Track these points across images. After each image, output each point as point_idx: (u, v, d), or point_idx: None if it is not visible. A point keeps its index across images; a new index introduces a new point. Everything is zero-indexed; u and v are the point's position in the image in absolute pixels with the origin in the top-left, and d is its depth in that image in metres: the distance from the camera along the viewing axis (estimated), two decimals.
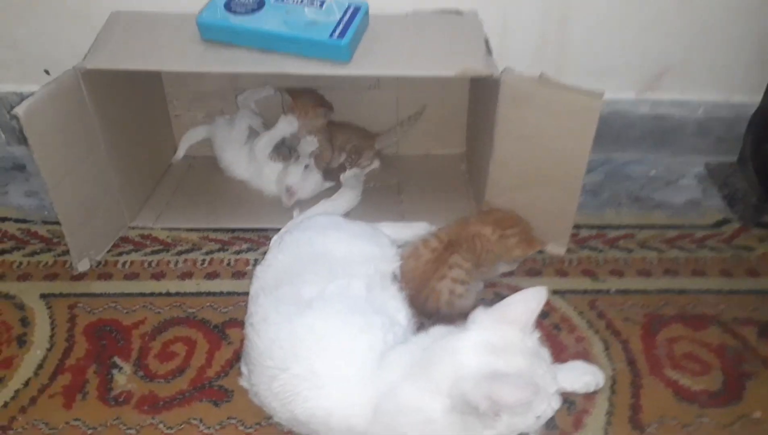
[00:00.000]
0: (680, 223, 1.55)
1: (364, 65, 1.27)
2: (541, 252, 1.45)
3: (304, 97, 1.63)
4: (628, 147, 1.76)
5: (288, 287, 1.12)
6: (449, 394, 0.87)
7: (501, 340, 0.88)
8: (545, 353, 0.91)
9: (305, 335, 1.01)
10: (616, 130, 1.71)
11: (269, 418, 1.09)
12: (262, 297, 1.13)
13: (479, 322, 0.92)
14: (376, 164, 1.74)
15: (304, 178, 1.60)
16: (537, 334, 0.91)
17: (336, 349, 1.00)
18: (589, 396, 1.15)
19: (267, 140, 1.63)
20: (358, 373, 0.97)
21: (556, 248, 1.43)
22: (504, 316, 0.90)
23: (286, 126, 1.63)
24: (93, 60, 1.31)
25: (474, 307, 1.27)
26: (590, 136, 1.24)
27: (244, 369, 1.14)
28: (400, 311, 1.15)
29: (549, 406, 0.89)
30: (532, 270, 1.42)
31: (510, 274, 1.40)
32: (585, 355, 1.23)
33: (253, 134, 1.69)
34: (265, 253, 1.35)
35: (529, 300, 0.90)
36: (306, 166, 1.62)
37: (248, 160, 1.66)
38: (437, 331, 1.00)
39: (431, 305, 1.26)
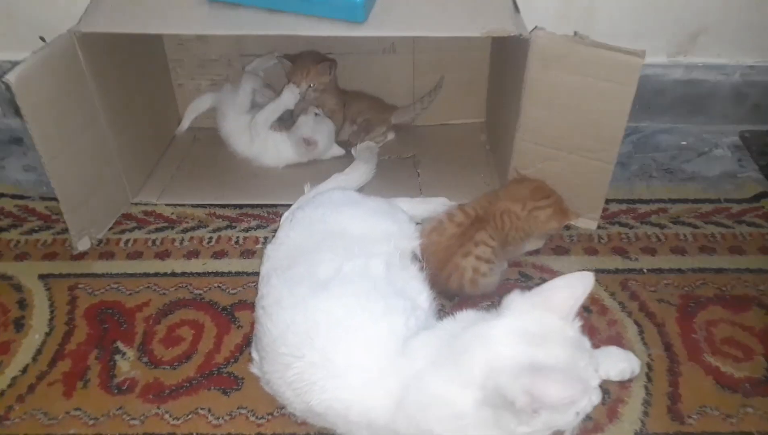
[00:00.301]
0: (715, 197, 1.46)
1: (380, 25, 1.17)
2: (568, 228, 1.37)
3: (302, 57, 1.53)
4: (658, 115, 1.66)
5: (302, 267, 1.05)
6: (482, 386, 0.79)
7: (540, 328, 0.80)
8: (586, 343, 0.83)
9: (321, 320, 0.94)
10: (645, 97, 1.61)
11: (282, 407, 1.02)
12: (274, 278, 1.05)
13: (515, 308, 0.83)
14: (390, 136, 1.64)
15: (316, 126, 1.51)
16: (578, 323, 0.83)
17: (355, 336, 0.92)
18: (624, 384, 1.08)
19: (270, 112, 1.54)
20: (379, 362, 0.90)
21: (587, 223, 1.35)
22: (544, 302, 0.82)
23: (291, 96, 1.54)
24: (89, 23, 1.22)
25: (497, 287, 1.22)
26: (629, 99, 1.15)
27: (254, 355, 1.06)
28: (421, 293, 1.07)
29: (589, 400, 0.81)
30: (560, 248, 1.33)
31: (536, 252, 1.32)
32: (618, 340, 1.15)
33: (257, 106, 1.59)
34: (275, 230, 1.28)
35: (574, 286, 0.82)
36: (316, 114, 1.54)
37: (249, 131, 1.56)
38: (466, 316, 0.91)
39: (454, 283, 1.18)
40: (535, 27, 1.17)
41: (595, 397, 0.83)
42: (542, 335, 0.80)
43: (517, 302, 0.84)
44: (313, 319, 0.94)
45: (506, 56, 1.38)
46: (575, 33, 1.16)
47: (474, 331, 0.84)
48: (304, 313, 0.95)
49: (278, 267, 1.07)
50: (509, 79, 1.34)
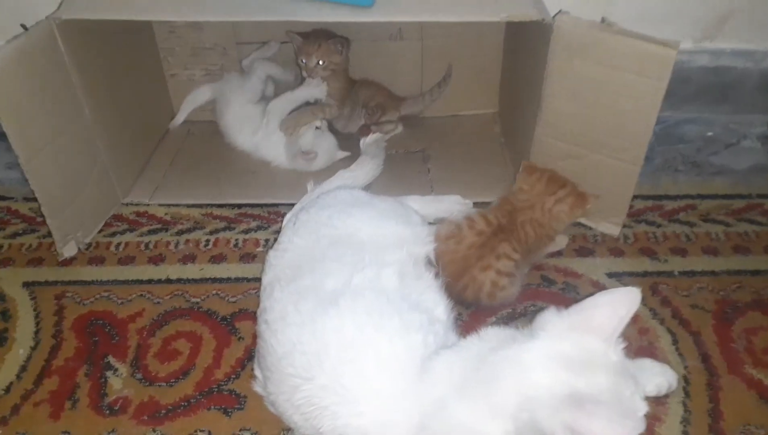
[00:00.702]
0: (746, 192, 1.37)
1: (389, 10, 1.08)
2: (590, 228, 1.28)
3: (315, 32, 1.43)
4: (682, 104, 1.57)
5: (308, 278, 0.96)
6: (514, 417, 0.70)
7: (580, 352, 0.71)
8: (631, 367, 0.74)
9: (332, 340, 0.85)
10: (669, 85, 1.47)
11: (288, 430, 0.95)
12: (277, 290, 0.96)
13: (551, 329, 0.74)
14: (399, 129, 1.55)
15: (316, 140, 1.42)
16: (622, 345, 0.74)
17: (369, 357, 0.84)
18: (661, 400, 0.99)
19: (287, 101, 1.44)
20: (396, 386, 0.81)
21: (610, 228, 1.26)
22: (585, 323, 0.73)
23: (312, 89, 1.44)
24: (70, 8, 1.14)
25: (516, 295, 1.13)
26: (660, 95, 1.06)
27: (258, 373, 0.98)
28: (438, 304, 0.98)
29: (634, 430, 0.73)
30: (583, 249, 1.24)
31: (558, 253, 1.23)
32: (651, 351, 1.06)
33: (266, 98, 1.50)
34: (276, 231, 1.19)
35: (618, 304, 0.73)
36: (317, 128, 1.44)
37: (256, 123, 1.46)
38: (493, 334, 0.82)
39: (470, 295, 1.09)
40: (559, 11, 1.07)
41: (641, 426, 0.74)
42: (583, 361, 0.71)
43: (553, 322, 0.75)
44: (322, 339, 0.86)
45: (523, 43, 1.29)
46: (603, 19, 1.06)
47: (505, 353, 0.75)
48: (312, 331, 0.87)
49: (282, 277, 0.98)
50: (527, 68, 1.24)
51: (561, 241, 1.23)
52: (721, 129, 1.55)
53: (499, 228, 1.09)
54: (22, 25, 1.44)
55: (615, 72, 1.05)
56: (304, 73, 1.44)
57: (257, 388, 0.98)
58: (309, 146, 1.41)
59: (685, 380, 1.02)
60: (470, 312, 1.13)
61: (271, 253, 1.05)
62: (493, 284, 1.07)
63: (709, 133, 1.55)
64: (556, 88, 1.12)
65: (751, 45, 1.49)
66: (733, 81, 1.53)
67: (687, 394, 1.01)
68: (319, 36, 1.41)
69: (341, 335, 0.86)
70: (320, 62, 1.41)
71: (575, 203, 1.14)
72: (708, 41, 1.49)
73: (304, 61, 1.42)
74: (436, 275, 1.04)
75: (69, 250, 1.24)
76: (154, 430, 0.97)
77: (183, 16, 1.17)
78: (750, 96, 1.54)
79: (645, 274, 1.20)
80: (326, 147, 1.43)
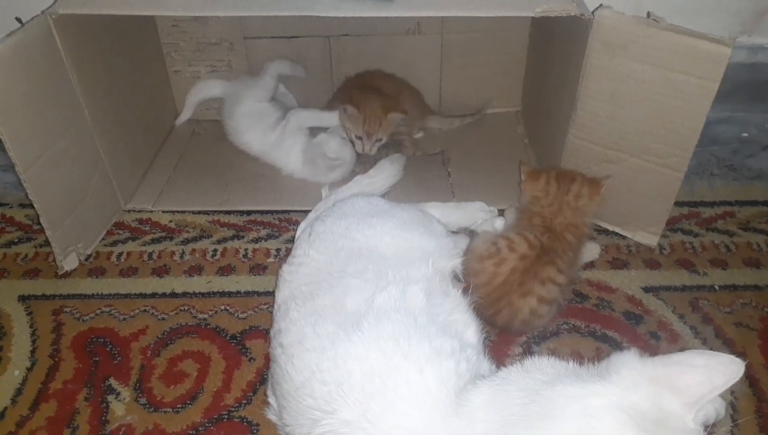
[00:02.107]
0: None
1: (414, 4, 1.00)
2: (624, 237, 1.19)
3: (370, 102, 1.31)
4: (716, 103, 1.46)
5: (326, 296, 0.88)
6: None
7: (655, 410, 0.63)
8: None
9: (355, 368, 0.77)
10: None
11: None
12: (293, 309, 0.89)
13: (627, 374, 0.65)
14: (419, 134, 1.46)
15: (340, 150, 1.33)
16: (703, 416, 0.65)
17: (398, 389, 0.76)
18: (708, 430, 0.91)
19: (311, 117, 1.37)
20: (429, 423, 0.73)
21: (647, 238, 1.18)
22: (669, 380, 0.64)
23: (334, 120, 1.36)
24: (67, 2, 1.05)
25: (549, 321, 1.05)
26: (710, 97, 0.98)
27: (272, 400, 0.90)
28: (468, 326, 0.90)
29: None
30: (617, 261, 1.17)
31: (590, 265, 1.15)
32: None
33: (276, 100, 1.42)
34: (288, 240, 1.11)
35: (716, 371, 0.63)
36: (342, 138, 1.35)
37: (266, 122, 1.38)
38: (544, 365, 0.73)
39: (502, 320, 1.02)
40: (600, 5, 0.98)
41: None
42: (657, 421, 0.62)
43: (631, 367, 0.66)
44: (344, 367, 0.78)
45: (553, 38, 1.20)
46: (648, 14, 0.97)
47: (565, 391, 0.67)
48: (334, 358, 0.79)
49: (297, 295, 0.91)
50: (558, 65, 1.16)
51: (593, 250, 1.15)
52: (757, 129, 1.47)
53: (542, 250, 1.01)
54: (17, 19, 1.36)
55: (661, 71, 0.97)
56: (358, 149, 1.34)
57: (271, 415, 0.90)
58: (334, 154, 1.31)
59: (732, 407, 0.95)
60: (499, 331, 1.05)
61: (285, 268, 0.97)
62: (532, 312, 0.99)
63: (744, 134, 1.47)
64: (593, 88, 1.03)
65: None
66: None
67: (734, 421, 0.93)
68: (376, 109, 1.29)
69: (365, 364, 0.78)
70: (380, 139, 1.32)
71: (592, 191, 1.07)
72: (746, 36, 1.41)
73: (360, 139, 1.32)
74: (464, 292, 0.96)
75: (70, 263, 1.16)
76: None
77: (189, 11, 1.07)
78: None
79: (684, 288, 1.12)
80: (348, 159, 1.34)
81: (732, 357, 0.64)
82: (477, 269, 1.00)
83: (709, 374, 0.63)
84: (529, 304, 0.98)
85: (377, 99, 1.31)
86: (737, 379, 0.63)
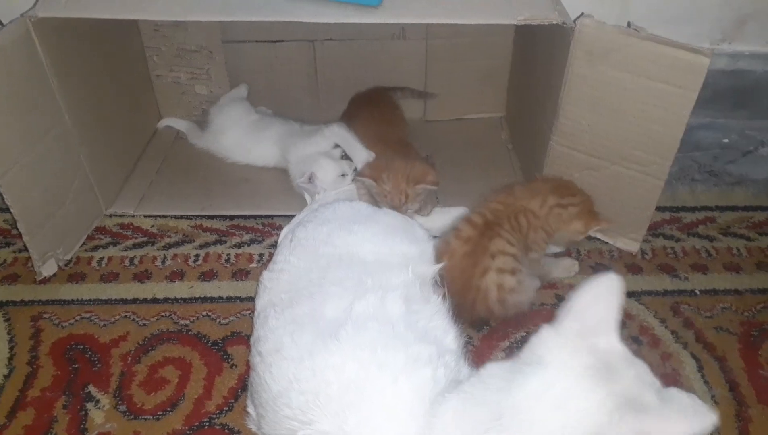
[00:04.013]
0: (767, 204, 1.30)
1: (398, 10, 1.00)
2: (607, 244, 1.20)
3: (395, 168, 1.17)
4: (696, 109, 1.47)
5: (305, 304, 0.88)
6: None
7: (598, 357, 0.65)
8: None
9: (332, 379, 0.77)
10: None
11: None
12: (272, 317, 0.88)
13: (558, 348, 0.67)
14: None
15: (333, 177, 1.25)
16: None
17: (373, 400, 0.75)
18: None
19: (347, 137, 1.30)
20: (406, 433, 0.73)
21: (628, 244, 1.19)
22: (584, 328, 0.66)
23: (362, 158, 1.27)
24: (47, 5, 1.04)
25: (531, 304, 1.05)
26: (690, 105, 0.99)
27: (251, 409, 0.89)
28: (448, 332, 0.90)
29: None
30: (599, 266, 1.17)
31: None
32: (675, 378, 1.00)
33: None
34: (272, 245, 1.11)
35: (604, 294, 0.67)
36: (343, 175, 1.27)
37: (247, 121, 1.38)
38: (495, 373, 0.72)
39: (481, 309, 1.02)
40: (581, 14, 0.99)
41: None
42: (607, 364, 0.65)
43: (555, 340, 0.68)
44: (321, 377, 0.77)
45: (537, 45, 1.21)
46: (629, 24, 0.98)
47: (525, 393, 0.67)
48: (311, 368, 0.78)
49: (277, 302, 0.90)
50: (542, 72, 1.17)
51: (571, 267, 1.15)
52: (738, 135, 1.49)
53: (486, 225, 1.02)
54: None
55: (642, 80, 0.98)
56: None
57: (251, 425, 0.89)
58: (325, 186, 1.25)
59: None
60: (482, 335, 1.05)
61: (266, 274, 0.97)
62: (499, 287, 0.99)
63: (725, 140, 1.48)
64: (575, 96, 1.04)
65: None
66: (751, 85, 1.46)
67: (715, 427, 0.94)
68: (399, 179, 1.15)
69: (342, 374, 0.77)
70: (406, 201, 1.17)
71: (579, 216, 1.05)
72: (726, 43, 1.42)
73: (388, 199, 1.18)
74: (444, 297, 0.96)
75: (48, 269, 1.14)
76: None
77: (170, 16, 1.06)
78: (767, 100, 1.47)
79: (665, 293, 1.13)
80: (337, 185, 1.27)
81: (604, 276, 0.67)
82: (443, 269, 1.01)
83: (603, 300, 0.67)
84: (492, 280, 0.99)
85: (402, 165, 1.17)
86: (621, 288, 0.66)
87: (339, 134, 1.30)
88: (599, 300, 0.67)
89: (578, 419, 0.63)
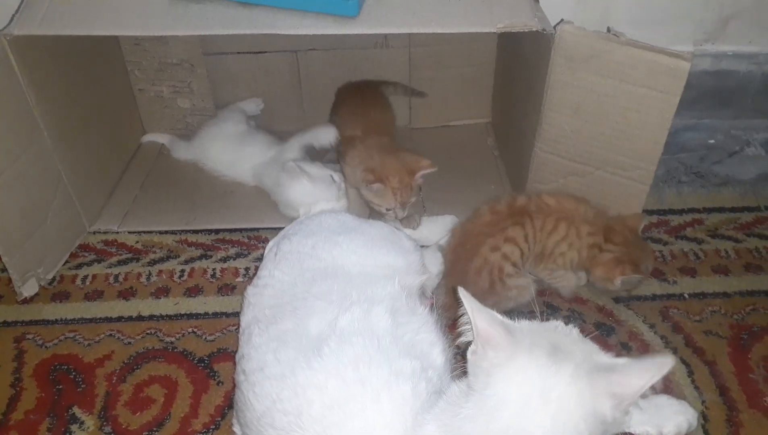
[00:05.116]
0: (754, 205, 1.31)
1: (377, 21, 0.99)
2: None
3: (392, 169, 1.15)
4: (682, 110, 1.46)
5: (289, 320, 0.86)
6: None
7: (543, 340, 0.69)
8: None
9: (314, 398, 0.75)
10: None
11: None
12: (256, 334, 0.86)
13: (506, 356, 0.67)
14: None
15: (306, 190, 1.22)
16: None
17: (355, 420, 0.74)
18: None
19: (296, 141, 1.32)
20: None
21: None
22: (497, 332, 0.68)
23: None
24: (23, 23, 1.02)
25: (527, 300, 1.05)
26: (671, 110, 0.99)
27: (237, 429, 0.88)
28: (434, 345, 0.88)
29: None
30: None
31: None
32: (664, 384, 0.99)
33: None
34: (258, 259, 1.09)
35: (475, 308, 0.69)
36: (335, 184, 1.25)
37: (234, 135, 1.37)
38: (456, 394, 0.72)
39: (485, 280, 1.02)
40: (561, 20, 0.98)
41: None
42: (552, 345, 0.68)
43: (500, 356, 0.68)
44: (304, 396, 0.76)
45: (520, 52, 1.20)
46: (608, 29, 0.98)
47: (504, 412, 0.65)
48: (294, 387, 0.77)
49: (261, 319, 0.89)
50: (525, 78, 1.16)
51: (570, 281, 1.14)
52: (723, 136, 1.49)
53: (518, 210, 1.03)
54: None
55: (623, 85, 0.97)
56: (389, 219, 1.20)
57: None
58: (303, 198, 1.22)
59: (704, 417, 0.95)
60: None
61: (250, 290, 0.95)
62: (500, 269, 1.01)
63: (711, 141, 1.48)
64: (557, 102, 1.04)
65: (754, 47, 1.42)
66: (735, 85, 1.46)
67: (706, 432, 0.93)
68: (401, 173, 1.14)
69: (325, 392, 0.76)
70: (402, 201, 1.16)
71: (609, 264, 1.02)
72: (709, 44, 1.42)
73: (391, 210, 1.18)
74: (431, 308, 0.95)
75: (29, 289, 1.13)
76: None
77: (149, 31, 1.06)
78: (752, 100, 1.48)
79: (654, 297, 1.13)
80: (327, 197, 1.24)
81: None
82: (457, 234, 1.07)
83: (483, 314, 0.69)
84: (497, 260, 1.01)
85: (397, 161, 1.16)
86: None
87: (297, 138, 1.32)
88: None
89: (566, 406, 0.64)
